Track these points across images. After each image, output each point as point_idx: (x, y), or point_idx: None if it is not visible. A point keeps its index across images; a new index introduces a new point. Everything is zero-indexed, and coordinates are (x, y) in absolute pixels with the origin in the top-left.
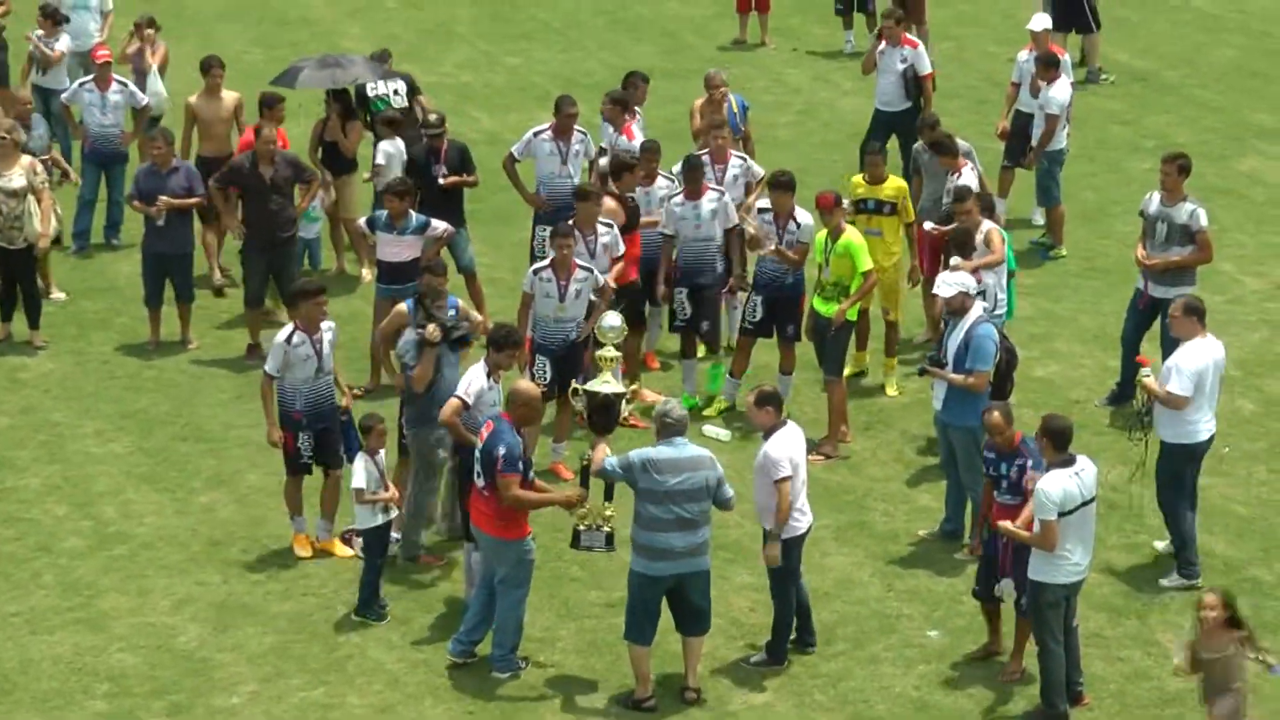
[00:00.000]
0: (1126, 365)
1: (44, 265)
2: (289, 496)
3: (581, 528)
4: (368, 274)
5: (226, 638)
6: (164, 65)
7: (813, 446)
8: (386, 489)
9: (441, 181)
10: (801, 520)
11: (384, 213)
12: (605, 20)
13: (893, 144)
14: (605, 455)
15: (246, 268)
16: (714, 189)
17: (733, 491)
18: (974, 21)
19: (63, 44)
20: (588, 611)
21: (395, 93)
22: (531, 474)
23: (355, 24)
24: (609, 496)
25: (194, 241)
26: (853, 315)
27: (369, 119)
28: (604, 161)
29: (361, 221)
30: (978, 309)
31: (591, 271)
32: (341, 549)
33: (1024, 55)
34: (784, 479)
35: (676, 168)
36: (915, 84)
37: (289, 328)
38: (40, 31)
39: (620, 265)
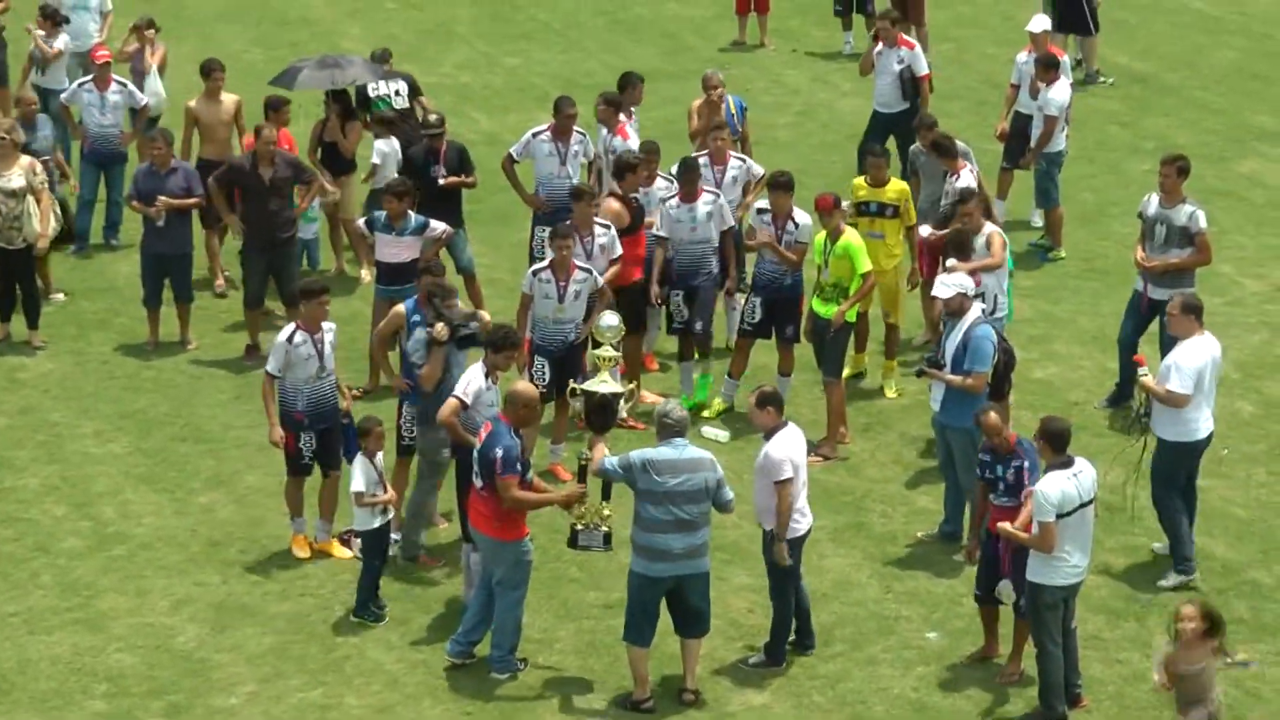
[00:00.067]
0: (1124, 366)
1: (44, 266)
2: (290, 497)
3: (579, 527)
4: (367, 275)
5: (225, 638)
6: (163, 66)
7: (811, 448)
8: (385, 491)
9: (440, 182)
10: (802, 522)
11: (383, 213)
12: (605, 21)
13: (890, 145)
14: (604, 455)
15: (246, 268)
16: (709, 191)
17: (733, 494)
18: (973, 23)
19: (60, 42)
20: (586, 612)
21: (396, 93)
22: (530, 475)
23: (355, 24)
24: (606, 496)
25: (193, 242)
26: (852, 317)
27: (370, 119)
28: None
29: (360, 222)
30: (976, 310)
31: (590, 273)
32: (340, 550)
33: (1023, 57)
34: (785, 480)
35: (675, 169)
36: (912, 85)
37: (290, 327)
38: (41, 32)
39: (617, 267)
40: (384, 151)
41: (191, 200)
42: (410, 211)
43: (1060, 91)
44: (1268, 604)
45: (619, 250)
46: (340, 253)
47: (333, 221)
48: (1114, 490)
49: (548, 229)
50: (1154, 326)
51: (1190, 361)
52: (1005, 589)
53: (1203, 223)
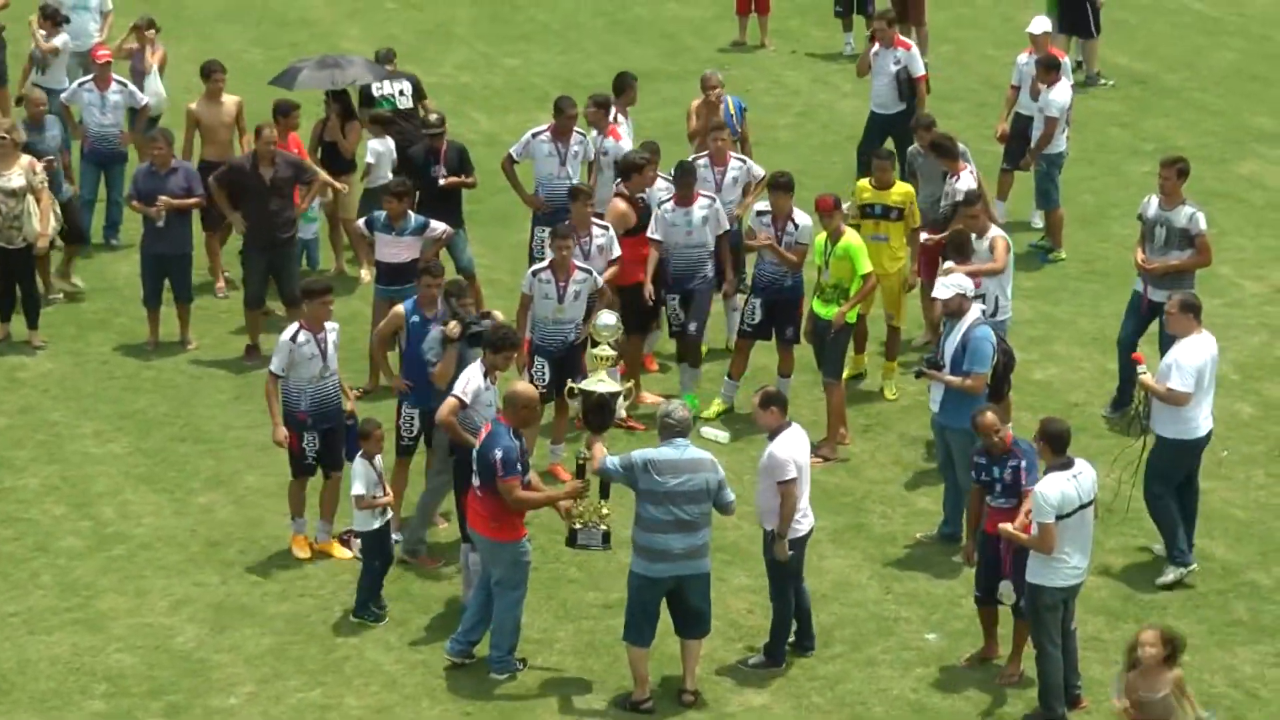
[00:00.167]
0: (1124, 367)
1: (43, 265)
2: (292, 497)
3: (578, 526)
4: (366, 275)
5: (224, 638)
6: (163, 65)
7: (811, 449)
8: (385, 493)
9: (440, 182)
10: (803, 522)
11: (382, 213)
12: (604, 22)
13: (888, 146)
14: (603, 454)
15: (246, 268)
16: (705, 195)
17: (734, 495)
18: (973, 24)
19: (59, 40)
20: (585, 613)
21: (401, 93)
22: (529, 475)
23: (354, 25)
24: (605, 494)
25: (193, 242)
26: (852, 318)
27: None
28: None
29: (360, 222)
30: (975, 311)
31: (590, 273)
32: (340, 551)
33: (1024, 58)
34: (789, 480)
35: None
36: (909, 86)
37: (294, 326)
38: (42, 31)
39: (616, 267)
40: (378, 151)
41: (192, 200)
42: (410, 212)
43: (1061, 93)
44: (1266, 605)
45: (617, 251)
46: (340, 253)
47: (332, 221)
48: (1114, 491)
49: (547, 229)
50: (1154, 328)
51: (1190, 360)
52: (1006, 590)
53: (1202, 224)
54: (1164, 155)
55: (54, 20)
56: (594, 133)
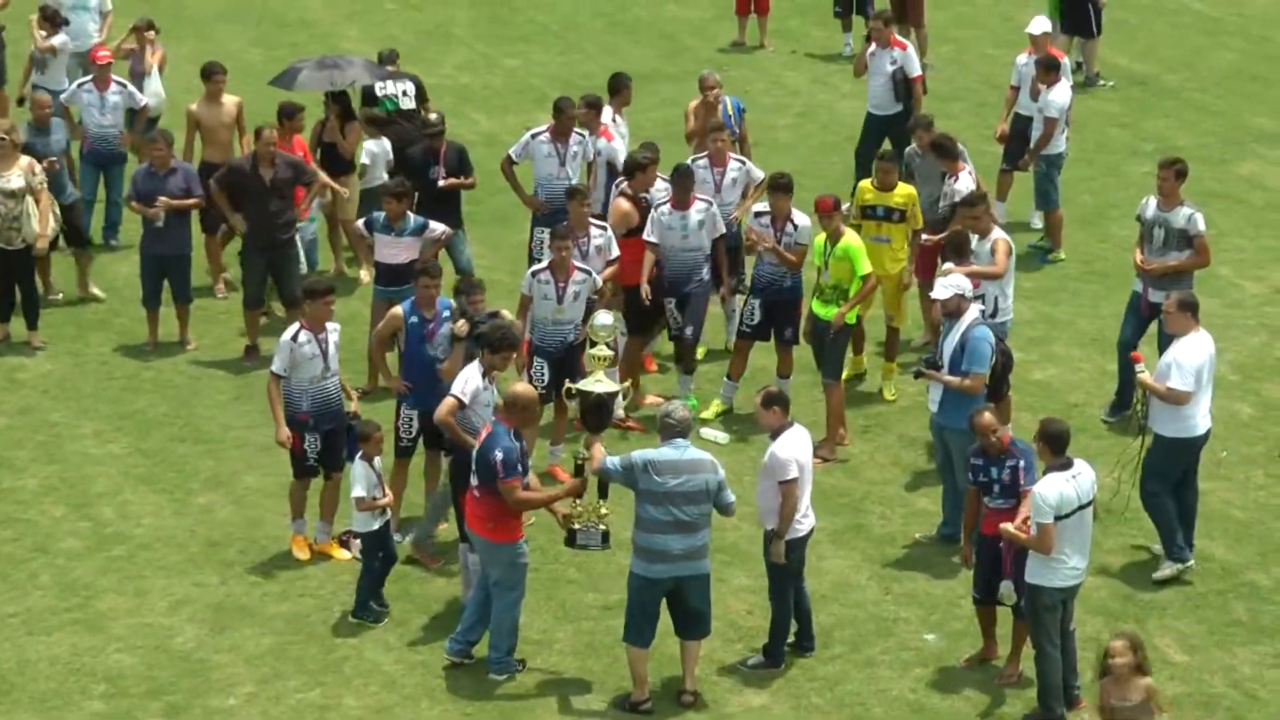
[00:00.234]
0: (1124, 368)
1: (43, 266)
2: (294, 498)
3: (577, 527)
4: (366, 276)
5: (224, 639)
6: (162, 66)
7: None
8: (385, 494)
9: (440, 183)
10: (804, 523)
11: (382, 214)
12: (604, 22)
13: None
14: (602, 454)
15: (246, 269)
16: (702, 199)
17: (734, 496)
18: (973, 24)
19: (57, 40)
20: (585, 613)
21: (404, 93)
22: (529, 475)
23: (354, 26)
24: (603, 494)
25: (192, 243)
26: (851, 318)
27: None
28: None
29: (359, 223)
30: (973, 311)
31: (590, 273)
32: (339, 552)
33: (1023, 58)
34: (791, 480)
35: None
36: (905, 86)
37: (295, 326)
38: (42, 32)
39: (614, 268)
40: (374, 152)
41: (191, 201)
42: (409, 212)
43: (1060, 93)
44: (1266, 606)
45: (615, 251)
46: (339, 253)
47: (331, 222)
48: (1113, 491)
49: (547, 230)
50: (1153, 328)
51: (1190, 358)
52: (1006, 590)
53: (1201, 225)
54: (1162, 156)
55: (53, 21)
56: (586, 133)
